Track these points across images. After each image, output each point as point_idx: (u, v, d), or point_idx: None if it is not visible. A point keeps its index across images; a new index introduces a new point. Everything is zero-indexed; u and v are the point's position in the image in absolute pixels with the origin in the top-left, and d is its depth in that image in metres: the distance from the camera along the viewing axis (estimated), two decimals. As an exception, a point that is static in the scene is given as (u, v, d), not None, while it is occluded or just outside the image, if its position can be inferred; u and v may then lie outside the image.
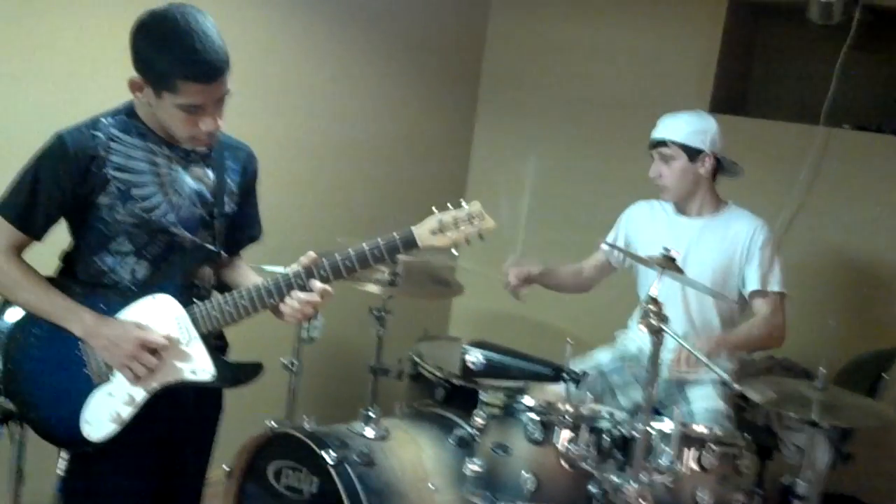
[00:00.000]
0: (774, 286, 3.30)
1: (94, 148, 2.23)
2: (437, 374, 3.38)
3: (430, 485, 3.04)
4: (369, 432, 3.11)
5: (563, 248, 4.46)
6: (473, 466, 2.77)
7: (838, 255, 4.11)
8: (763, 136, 4.17)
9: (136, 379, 2.27)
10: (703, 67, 4.32)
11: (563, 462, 2.71)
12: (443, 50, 4.74)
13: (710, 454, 2.70)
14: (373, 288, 3.37)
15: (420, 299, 4.37)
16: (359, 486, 2.85)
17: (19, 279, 2.28)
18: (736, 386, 2.82)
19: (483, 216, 2.28)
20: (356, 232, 2.85)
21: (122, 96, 2.30)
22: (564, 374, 2.89)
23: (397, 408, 3.46)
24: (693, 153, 3.31)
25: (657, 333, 2.48)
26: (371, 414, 3.14)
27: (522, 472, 2.70)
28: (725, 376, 2.76)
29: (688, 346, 2.64)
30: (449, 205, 2.29)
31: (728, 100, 4.39)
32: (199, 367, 2.32)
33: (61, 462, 2.40)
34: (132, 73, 2.21)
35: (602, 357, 3.49)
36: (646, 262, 2.88)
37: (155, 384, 2.30)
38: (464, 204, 2.29)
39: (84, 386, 2.30)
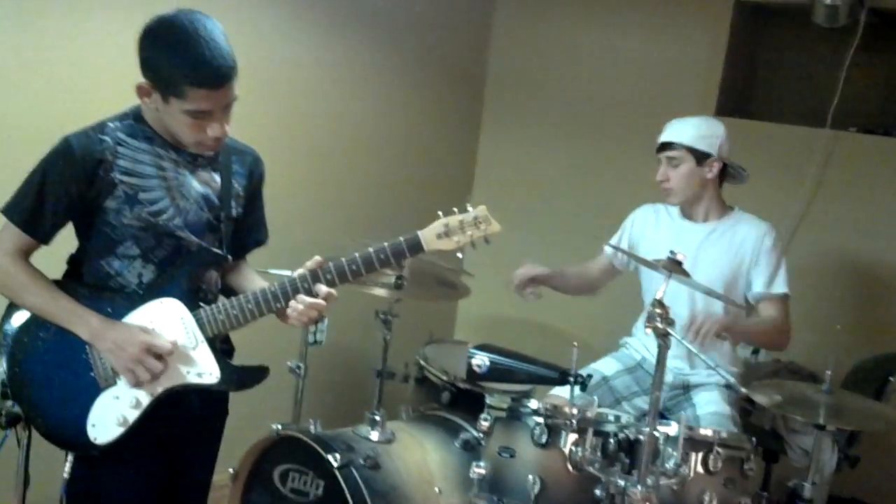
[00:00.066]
0: (780, 288, 3.29)
1: (101, 152, 2.24)
2: (443, 377, 3.38)
3: (435, 488, 3.03)
4: (375, 436, 3.11)
5: (569, 250, 4.47)
6: (479, 470, 2.77)
7: (845, 258, 4.10)
8: (769, 140, 4.17)
9: (138, 383, 2.27)
10: (708, 70, 4.32)
11: (569, 465, 2.70)
12: (448, 54, 4.74)
13: (716, 457, 2.70)
14: (379, 291, 3.37)
15: (426, 302, 4.37)
16: (364, 490, 2.84)
17: (26, 282, 2.29)
18: (742, 389, 2.82)
19: (489, 220, 2.28)
20: (362, 236, 2.85)
21: (130, 101, 2.31)
22: (570, 378, 2.89)
23: (403, 411, 3.46)
24: (701, 157, 3.29)
25: (664, 337, 2.47)
26: (377, 417, 3.14)
27: (528, 475, 2.69)
28: (731, 380, 2.75)
29: (696, 351, 2.63)
30: (455, 209, 2.29)
31: (733, 103, 4.39)
32: (205, 370, 2.32)
33: (67, 465, 2.40)
34: (140, 78, 2.22)
35: (606, 366, 3.48)
36: (652, 265, 2.87)
37: (161, 388, 2.30)
38: (470, 208, 2.29)
39: (90, 389, 2.31)
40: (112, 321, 2.29)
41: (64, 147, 2.23)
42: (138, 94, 2.25)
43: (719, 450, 2.70)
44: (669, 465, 2.61)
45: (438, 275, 3.67)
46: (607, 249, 3.63)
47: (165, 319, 2.31)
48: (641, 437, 2.61)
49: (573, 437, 2.71)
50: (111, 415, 2.29)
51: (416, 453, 3.13)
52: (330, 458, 2.87)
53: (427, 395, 3.46)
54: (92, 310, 2.29)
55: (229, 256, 2.46)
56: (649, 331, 2.50)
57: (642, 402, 3.38)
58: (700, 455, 2.71)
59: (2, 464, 2.82)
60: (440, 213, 2.28)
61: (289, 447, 3.03)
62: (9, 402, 2.45)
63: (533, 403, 2.80)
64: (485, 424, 2.84)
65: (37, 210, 2.25)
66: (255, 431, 3.09)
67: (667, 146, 3.33)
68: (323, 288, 2.29)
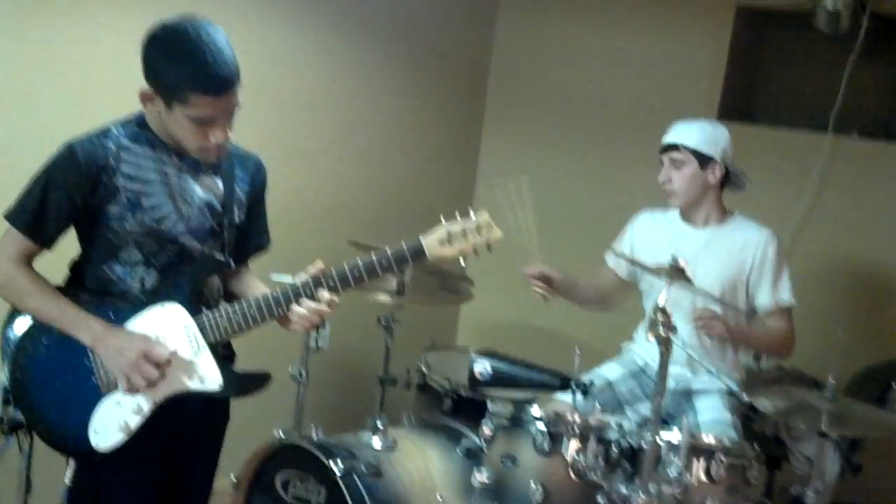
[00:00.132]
0: (785, 299, 3.29)
1: (104, 157, 2.24)
2: (445, 384, 3.38)
3: (438, 496, 3.02)
4: (377, 443, 3.10)
5: (571, 254, 4.46)
6: (481, 477, 2.77)
7: (847, 264, 4.10)
8: (771, 145, 4.16)
9: (132, 390, 2.27)
10: (710, 75, 4.32)
11: (571, 473, 2.70)
12: (450, 58, 4.74)
13: (719, 465, 2.70)
14: (380, 297, 3.36)
15: (428, 308, 4.37)
16: (366, 497, 2.84)
17: (28, 287, 2.29)
18: (745, 396, 2.81)
19: (491, 226, 2.28)
20: (364, 241, 2.85)
21: (133, 107, 2.31)
22: (573, 384, 2.88)
23: (405, 418, 3.45)
24: (704, 160, 3.29)
25: (666, 343, 2.47)
26: (379, 424, 3.14)
27: (531, 482, 2.69)
28: (734, 386, 2.75)
29: (696, 357, 2.63)
30: (457, 214, 2.28)
31: (736, 108, 4.39)
32: (206, 376, 2.31)
33: (69, 471, 2.39)
34: (143, 84, 2.22)
35: (610, 370, 3.47)
36: (654, 271, 2.87)
37: (162, 394, 2.29)
38: (472, 214, 2.29)
39: (92, 395, 2.30)
40: (114, 327, 2.29)
41: (67, 152, 2.23)
42: (142, 100, 2.25)
43: (722, 457, 2.70)
44: (672, 472, 2.61)
45: (440, 280, 3.67)
46: (609, 260, 3.61)
47: (167, 325, 2.31)
48: (644, 444, 2.61)
49: (575, 444, 2.71)
50: (113, 421, 2.29)
51: (419, 460, 3.12)
52: (332, 465, 2.87)
53: (429, 402, 3.45)
54: (94, 315, 2.29)
55: (231, 262, 2.46)
56: (651, 337, 2.49)
57: (645, 408, 3.38)
58: (702, 462, 2.71)
59: (4, 470, 2.82)
60: (442, 218, 2.28)
61: (290, 454, 3.03)
62: (11, 409, 2.45)
63: (535, 410, 2.80)
64: (487, 431, 2.84)
65: (40, 215, 2.25)
66: (256, 438, 3.09)
67: (671, 147, 3.33)
68: (325, 294, 2.29)
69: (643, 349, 3.50)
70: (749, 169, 3.44)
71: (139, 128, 2.31)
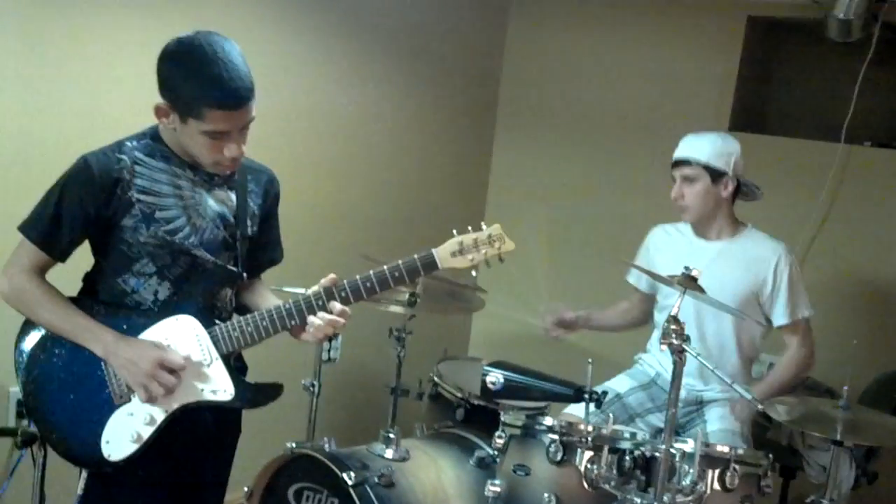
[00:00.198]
0: (802, 313, 3.28)
1: (118, 171, 2.26)
2: (458, 394, 3.38)
3: (450, 506, 3.03)
4: (389, 453, 3.10)
5: (583, 266, 4.47)
6: (494, 488, 2.76)
7: (861, 273, 4.08)
8: (783, 154, 4.16)
9: (151, 399, 2.27)
10: (722, 85, 4.32)
11: (584, 483, 2.69)
12: (462, 69, 4.75)
13: (733, 474, 2.68)
14: (393, 308, 3.36)
15: (440, 318, 4.37)
16: (379, 508, 2.84)
17: (41, 299, 2.30)
18: (759, 405, 2.80)
19: (503, 238, 2.29)
20: (376, 253, 2.85)
21: (148, 121, 2.33)
22: (585, 395, 2.88)
23: (417, 429, 3.45)
24: (716, 175, 3.27)
25: (679, 353, 2.46)
26: (391, 435, 3.13)
27: (544, 493, 2.68)
28: (747, 395, 2.74)
29: (710, 367, 2.61)
30: (469, 227, 2.29)
31: (747, 118, 4.38)
32: (219, 387, 2.32)
33: (81, 482, 2.40)
34: (158, 98, 2.23)
35: (619, 383, 3.47)
36: (667, 280, 2.86)
37: (175, 404, 2.30)
38: (484, 226, 2.29)
39: (105, 406, 2.31)
40: (126, 337, 2.29)
41: (82, 166, 2.25)
42: (156, 114, 2.26)
43: (736, 467, 2.69)
44: (686, 482, 2.60)
45: (452, 290, 3.67)
46: (630, 278, 3.62)
47: (180, 336, 2.32)
48: (657, 454, 2.59)
49: (588, 454, 2.70)
50: (125, 431, 2.29)
51: (431, 471, 3.12)
52: (344, 476, 2.87)
53: (441, 413, 3.45)
54: (108, 327, 2.30)
55: (244, 274, 2.47)
56: (664, 347, 2.49)
57: (656, 419, 3.37)
58: (717, 472, 2.70)
59: (18, 482, 2.84)
60: (454, 231, 2.28)
61: (303, 465, 3.03)
62: (24, 422, 2.46)
63: (548, 421, 2.79)
64: (499, 442, 2.83)
65: (54, 228, 2.27)
66: (269, 449, 3.09)
67: (682, 163, 3.30)
68: (337, 305, 2.30)
69: (656, 359, 3.49)
70: (761, 179, 3.42)
71: (153, 141, 2.33)
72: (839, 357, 3.39)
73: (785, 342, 3.33)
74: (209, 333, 2.32)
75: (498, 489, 2.75)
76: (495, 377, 2.95)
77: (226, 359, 2.33)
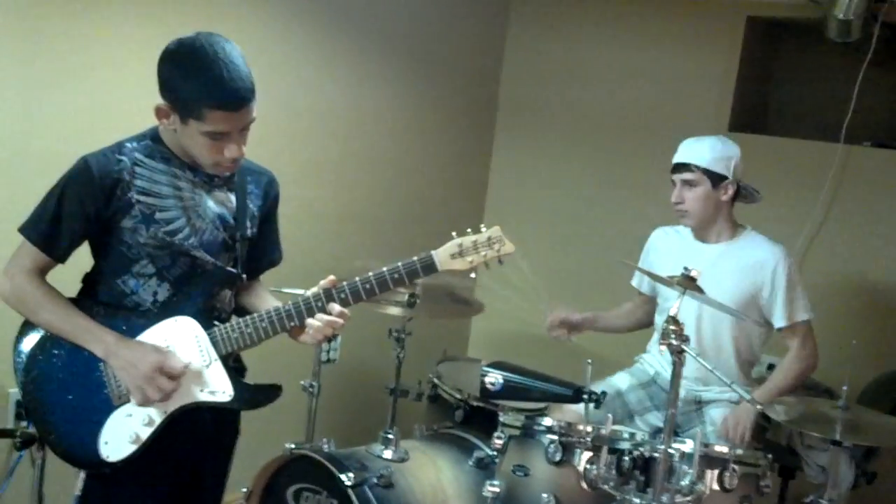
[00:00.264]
0: (802, 316, 3.27)
1: (118, 172, 2.26)
2: (457, 395, 3.38)
3: (449, 506, 3.03)
4: (388, 454, 3.11)
5: (583, 268, 4.47)
6: (493, 488, 2.76)
7: (860, 273, 4.08)
8: (783, 155, 4.16)
9: (146, 402, 2.27)
10: (721, 86, 4.32)
11: (583, 483, 2.69)
12: (461, 71, 4.75)
13: (732, 475, 2.68)
14: (392, 309, 3.37)
15: (439, 320, 4.37)
16: (378, 508, 2.84)
17: (42, 300, 2.30)
18: (759, 405, 2.80)
19: (503, 240, 2.28)
20: (375, 255, 2.85)
21: (148, 122, 2.33)
22: (584, 395, 2.88)
23: (416, 429, 3.45)
24: (716, 179, 3.26)
25: (678, 354, 2.46)
26: (390, 436, 3.14)
27: (543, 493, 2.69)
28: (746, 396, 2.74)
29: (708, 367, 2.62)
30: (469, 229, 2.29)
31: (747, 118, 4.38)
32: (218, 388, 2.32)
33: (79, 483, 2.40)
34: (158, 99, 2.24)
35: (620, 380, 3.47)
36: (666, 281, 2.86)
37: (174, 406, 2.30)
38: (483, 228, 2.29)
39: (103, 406, 2.31)
40: (127, 339, 2.30)
41: (82, 167, 2.25)
42: (157, 115, 2.27)
43: (735, 467, 2.69)
44: (685, 482, 2.60)
45: (452, 292, 3.67)
46: (633, 280, 3.63)
47: (180, 337, 2.32)
48: (656, 454, 2.60)
49: (587, 454, 2.70)
50: (124, 432, 2.30)
51: (430, 472, 3.12)
52: (343, 477, 2.87)
53: (440, 413, 3.45)
54: (107, 328, 2.30)
55: (243, 276, 2.47)
56: (664, 348, 2.49)
57: (655, 419, 3.37)
58: (716, 472, 2.70)
59: (17, 483, 2.84)
60: (454, 233, 2.28)
61: (302, 466, 3.03)
62: (23, 423, 2.46)
63: (547, 421, 2.79)
64: (498, 442, 2.83)
65: (54, 229, 2.27)
66: (268, 450, 3.09)
67: (682, 167, 3.30)
68: (336, 307, 2.30)
69: (656, 360, 3.49)
70: (761, 179, 3.42)
71: (153, 143, 2.33)
72: (838, 357, 3.39)
73: (787, 345, 3.33)
74: (208, 335, 2.32)
75: (497, 490, 2.76)
76: (494, 378, 2.95)
77: (225, 360, 2.33)
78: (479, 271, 2.32)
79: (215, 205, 2.39)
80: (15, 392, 2.85)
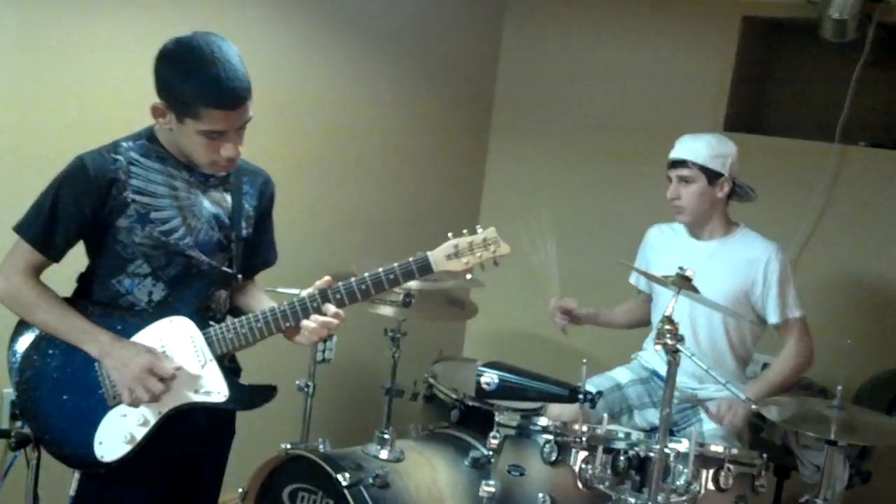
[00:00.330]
0: (794, 313, 3.28)
1: (114, 171, 2.26)
2: (452, 395, 3.38)
3: (445, 506, 3.03)
4: (384, 454, 3.11)
5: (579, 269, 4.46)
6: (489, 488, 2.76)
7: (855, 272, 4.09)
8: (778, 154, 4.16)
9: (135, 402, 2.27)
10: (717, 86, 4.32)
11: (579, 483, 2.69)
12: (456, 73, 4.75)
13: (727, 474, 2.68)
14: (387, 310, 3.36)
15: (435, 321, 4.37)
16: (374, 508, 2.84)
17: (36, 300, 2.30)
18: (753, 405, 2.81)
19: (498, 241, 2.29)
20: (371, 255, 2.85)
21: (144, 121, 2.33)
22: (580, 395, 2.88)
23: (412, 429, 3.45)
24: (712, 176, 3.27)
25: (673, 353, 2.46)
26: (386, 436, 3.14)
27: (538, 493, 2.68)
28: (742, 395, 2.74)
29: (704, 367, 2.62)
30: (465, 230, 2.29)
31: (742, 118, 4.39)
32: (213, 389, 2.32)
33: (74, 483, 2.40)
34: (155, 98, 2.24)
35: (620, 375, 3.48)
36: (661, 281, 2.87)
37: (168, 406, 2.30)
38: (479, 229, 2.29)
39: (98, 406, 2.31)
40: (121, 339, 2.30)
41: (78, 166, 2.25)
42: (153, 114, 2.27)
43: (730, 466, 2.69)
44: (680, 482, 2.60)
45: (447, 293, 3.67)
46: (631, 278, 3.63)
47: (175, 338, 2.32)
48: (652, 454, 2.60)
49: (583, 454, 2.70)
50: (119, 433, 2.30)
51: (426, 472, 3.12)
52: (339, 477, 2.87)
53: (436, 413, 3.45)
54: (102, 327, 2.30)
55: (239, 276, 2.47)
56: (659, 347, 2.49)
57: (653, 416, 3.37)
58: (711, 472, 2.70)
59: (11, 484, 2.83)
60: (450, 234, 2.28)
61: (298, 466, 3.03)
62: (18, 424, 2.45)
63: (542, 421, 2.79)
64: (494, 442, 2.83)
65: (49, 228, 2.27)
66: (263, 451, 3.09)
67: (679, 164, 3.31)
68: (331, 307, 2.30)
69: (652, 356, 3.50)
70: (756, 179, 3.43)
71: (149, 142, 2.33)
72: (833, 357, 3.40)
73: (783, 342, 3.34)
74: (203, 335, 2.32)
75: (492, 489, 2.76)
76: (490, 378, 2.94)
77: (220, 360, 2.33)
78: (475, 272, 2.32)
79: (211, 205, 2.39)
80: (9, 392, 2.85)
